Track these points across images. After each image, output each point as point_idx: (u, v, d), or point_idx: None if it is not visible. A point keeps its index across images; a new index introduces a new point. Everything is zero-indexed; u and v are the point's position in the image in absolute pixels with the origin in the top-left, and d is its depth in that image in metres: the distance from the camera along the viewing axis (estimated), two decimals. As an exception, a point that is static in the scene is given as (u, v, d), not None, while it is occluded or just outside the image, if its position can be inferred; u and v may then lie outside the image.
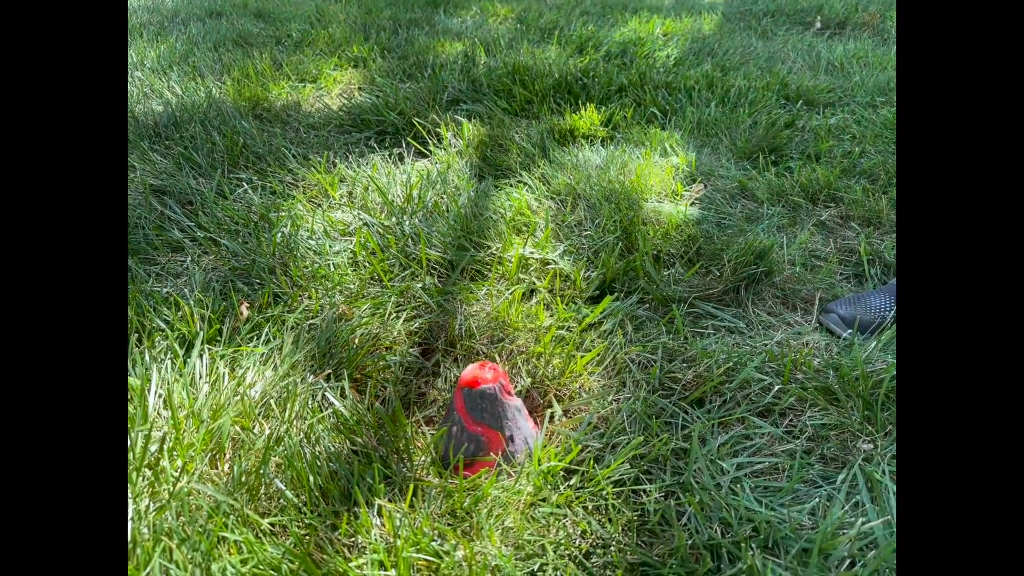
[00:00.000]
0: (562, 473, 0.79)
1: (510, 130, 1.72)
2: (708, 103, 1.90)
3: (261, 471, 0.76)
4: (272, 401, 0.87)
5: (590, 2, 3.33)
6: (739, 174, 1.55)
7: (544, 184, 1.46)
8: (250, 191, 1.43)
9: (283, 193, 1.44)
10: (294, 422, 0.84)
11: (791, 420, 0.90)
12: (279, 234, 1.26)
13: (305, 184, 1.47)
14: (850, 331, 1.05)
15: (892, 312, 1.07)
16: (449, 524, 0.73)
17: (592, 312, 1.04)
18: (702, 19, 3.00)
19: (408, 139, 1.67)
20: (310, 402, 0.88)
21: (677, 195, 1.48)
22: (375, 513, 0.74)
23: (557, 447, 0.83)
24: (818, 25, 2.99)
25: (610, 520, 0.74)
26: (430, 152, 1.65)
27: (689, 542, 0.71)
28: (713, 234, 1.31)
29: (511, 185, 1.49)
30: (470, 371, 0.83)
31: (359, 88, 2.08)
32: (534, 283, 1.14)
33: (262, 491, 0.76)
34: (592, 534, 0.73)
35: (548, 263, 1.20)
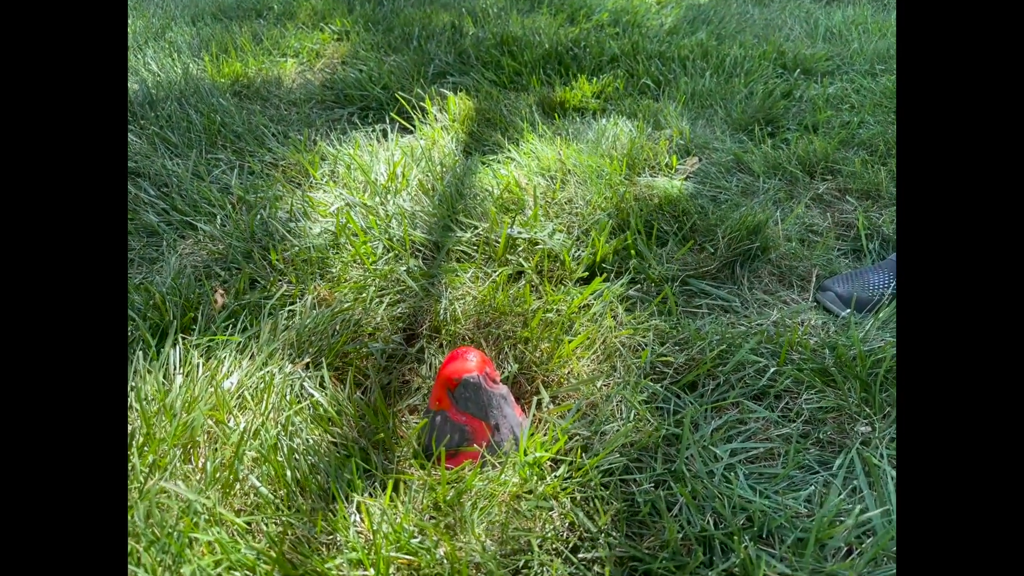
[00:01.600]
0: (549, 463, 0.77)
1: (498, 103, 1.66)
2: (703, 73, 1.84)
3: (235, 466, 0.73)
4: (248, 392, 0.84)
5: (582, -31, 3.22)
6: (735, 146, 1.50)
7: (533, 159, 1.41)
8: (228, 172, 1.38)
9: (262, 173, 1.39)
10: (271, 414, 0.81)
11: (787, 403, 0.87)
12: (257, 217, 1.21)
13: (285, 164, 1.42)
14: (848, 310, 1.02)
15: (891, 289, 1.04)
16: (432, 519, 0.71)
17: (582, 294, 1.00)
18: (697, -15, 2.90)
19: (392, 114, 1.61)
20: (288, 393, 0.85)
21: (671, 168, 1.43)
22: (354, 509, 0.71)
23: (544, 436, 0.80)
24: (817, -10, 2.89)
25: (599, 512, 0.71)
26: (415, 128, 1.60)
27: (680, 534, 0.68)
28: (708, 209, 1.27)
29: (499, 161, 1.44)
30: (454, 359, 0.80)
31: (342, 62, 2.01)
32: (521, 264, 1.10)
33: (236, 487, 0.73)
34: (580, 527, 0.70)
35: (537, 243, 1.16)
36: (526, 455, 0.75)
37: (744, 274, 1.14)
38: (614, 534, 0.69)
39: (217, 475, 0.73)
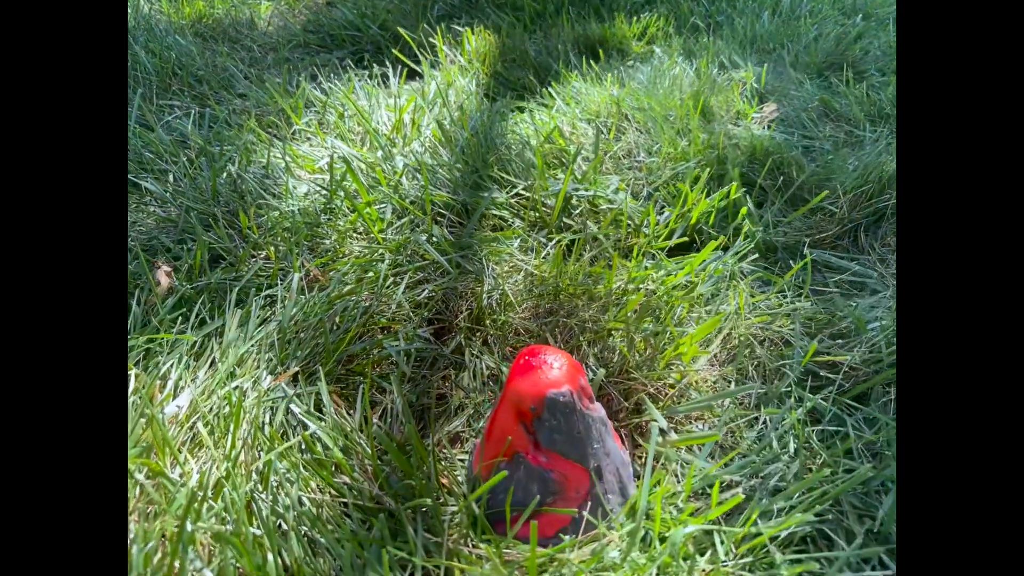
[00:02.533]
0: (693, 531, 0.48)
1: (523, 42, 1.36)
2: (759, 13, 1.55)
3: (179, 553, 0.43)
4: (204, 422, 0.54)
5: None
6: (818, 91, 1.22)
7: (577, 105, 1.11)
8: (184, 120, 1.07)
9: (229, 121, 1.08)
10: (240, 457, 0.51)
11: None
12: (224, 172, 0.90)
13: (259, 111, 1.10)
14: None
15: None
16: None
17: (686, 265, 0.72)
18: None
19: (395, 52, 1.30)
20: (267, 421, 0.55)
21: (744, 117, 1.15)
22: (384, 626, 0.42)
23: (678, 484, 0.52)
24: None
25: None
26: (423, 74, 1.29)
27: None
28: (802, 162, 0.99)
29: (533, 109, 1.14)
30: (527, 365, 0.51)
31: (327, 3, 1.69)
32: (589, 230, 0.81)
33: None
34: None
35: (601, 204, 0.87)
36: (662, 523, 0.47)
37: (870, 241, 0.87)
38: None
39: (148, 569, 0.43)
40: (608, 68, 1.26)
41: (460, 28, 1.38)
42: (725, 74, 1.26)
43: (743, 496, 0.45)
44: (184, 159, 0.94)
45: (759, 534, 0.46)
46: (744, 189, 0.90)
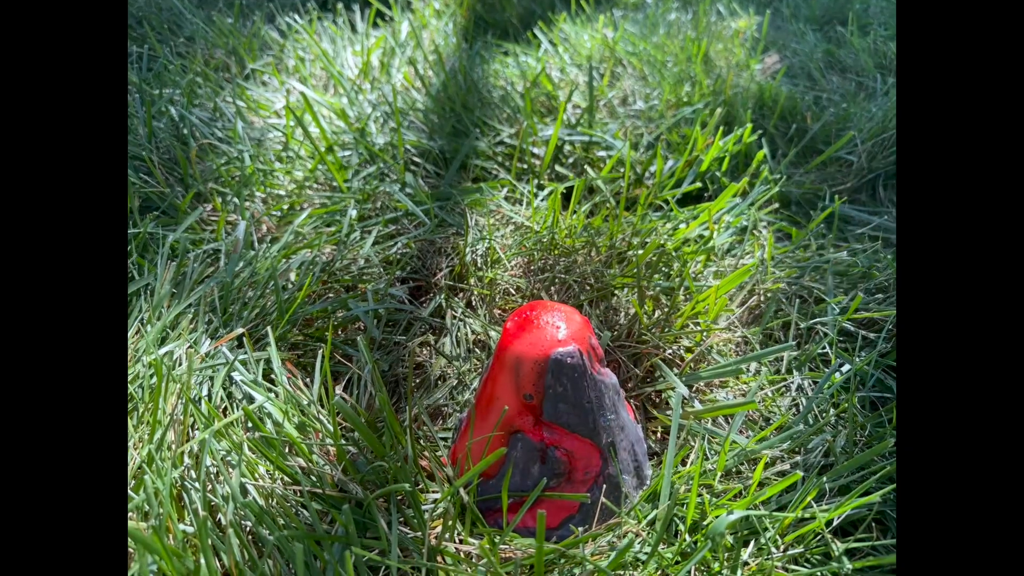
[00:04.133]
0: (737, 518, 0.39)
1: (504, -12, 1.24)
2: (756, -37, 1.46)
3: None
4: (131, 392, 0.43)
5: None
6: (822, 43, 1.14)
7: (566, 48, 1.01)
8: (120, 60, 0.93)
9: (171, 63, 0.95)
10: (170, 436, 0.41)
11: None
12: (164, 117, 0.78)
13: (207, 53, 0.97)
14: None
15: None
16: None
17: (700, 214, 0.63)
18: None
19: (361, -4, 1.17)
20: (207, 393, 0.45)
21: (747, 67, 1.06)
22: (349, 649, 0.33)
23: (710, 461, 0.43)
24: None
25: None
26: (393, 17, 1.17)
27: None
28: (815, 110, 0.91)
29: (516, 54, 1.04)
30: (528, 323, 0.41)
31: (288, -53, 1.54)
32: (589, 177, 0.71)
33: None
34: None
35: (595, 148, 0.77)
36: (689, 509, 0.38)
37: (890, 194, 0.79)
38: None
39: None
40: (599, 11, 1.15)
41: (435, -30, 1.26)
42: (723, 22, 1.16)
43: (800, 475, 0.36)
44: (117, 100, 0.81)
45: (811, 519, 0.37)
46: (759, 133, 0.82)
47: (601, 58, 0.97)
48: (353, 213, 0.65)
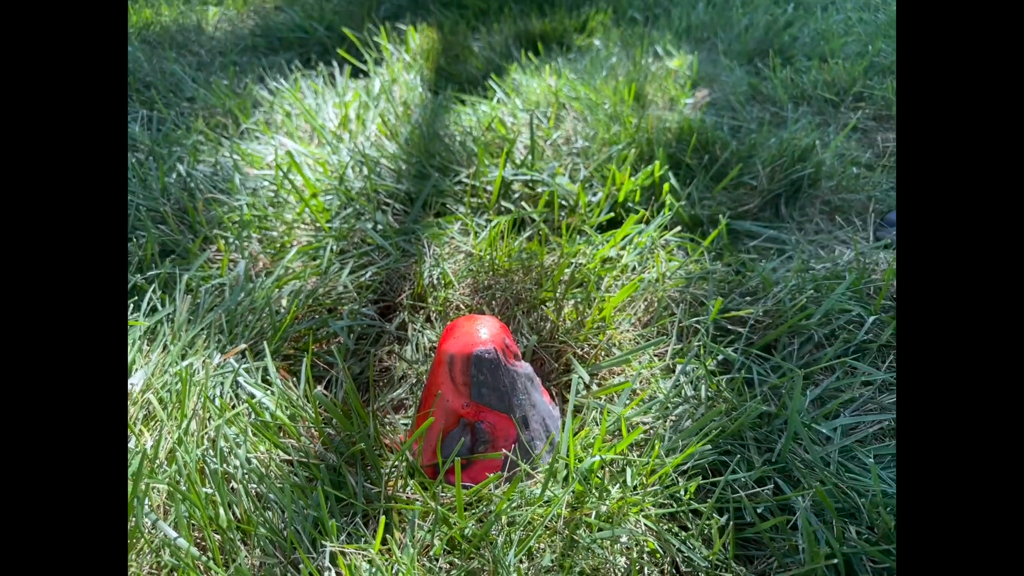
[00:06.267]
0: (606, 469, 0.53)
1: (466, 38, 1.40)
2: (694, 4, 1.63)
3: (134, 508, 0.47)
4: (158, 395, 0.57)
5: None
6: (747, 76, 1.30)
7: (518, 96, 1.16)
8: (131, 123, 1.09)
9: (177, 123, 1.10)
10: (191, 426, 0.55)
11: (893, 361, 0.66)
12: (173, 172, 0.93)
13: (207, 112, 1.13)
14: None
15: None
16: (450, 567, 0.47)
17: (611, 239, 0.77)
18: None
19: (341, 52, 1.33)
20: (219, 393, 0.59)
21: (678, 103, 1.21)
22: (328, 563, 0.46)
23: (595, 429, 0.57)
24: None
25: (697, 535, 0.48)
26: (368, 72, 1.32)
27: (827, 553, 0.46)
28: (726, 140, 1.06)
29: (475, 102, 1.19)
30: (457, 330, 0.56)
31: (275, 7, 1.71)
32: (524, 211, 0.86)
33: (140, 542, 0.47)
34: (673, 558, 0.47)
35: (538, 185, 0.92)
36: (576, 460, 0.52)
37: (791, 211, 0.94)
38: (733, 566, 0.46)
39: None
40: (548, 60, 1.31)
41: (404, 27, 1.42)
42: (660, 63, 1.32)
43: (644, 429, 0.50)
44: (134, 160, 0.96)
45: (664, 465, 0.51)
46: (671, 168, 0.97)
47: (548, 103, 1.13)
48: (334, 247, 0.80)
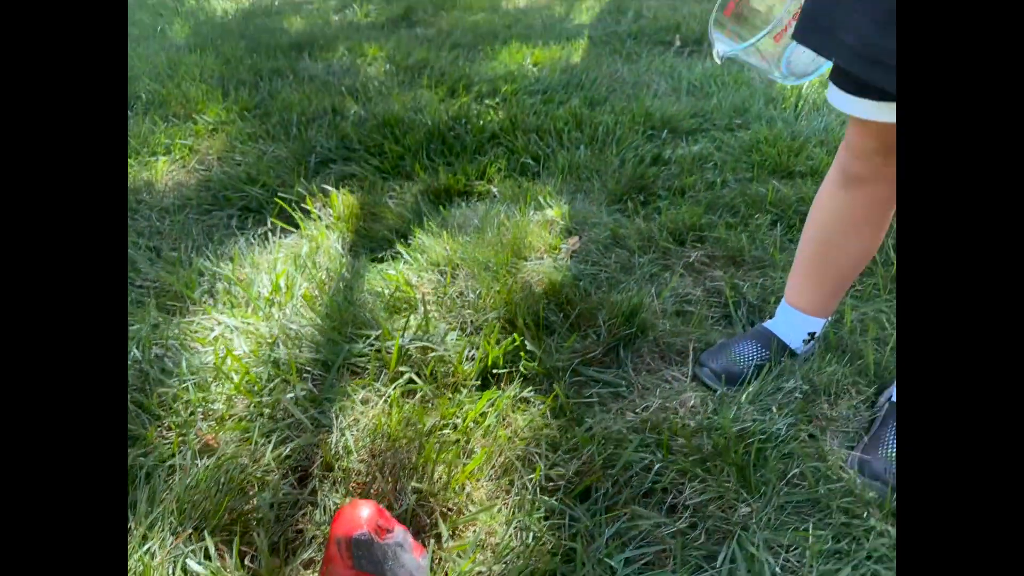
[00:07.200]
0: (450, 610, 0.76)
1: (383, 195, 1.67)
2: (577, 145, 1.94)
3: None
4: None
5: (460, 33, 3.33)
6: (611, 221, 1.59)
7: (422, 255, 1.42)
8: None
9: (135, 301, 1.32)
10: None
11: (674, 497, 0.91)
12: (130, 354, 1.14)
13: (158, 289, 1.35)
14: (722, 386, 1.09)
15: (758, 359, 1.12)
16: None
17: (476, 406, 1.02)
18: (571, 45, 3.07)
19: (272, 218, 1.58)
20: (171, 574, 0.80)
21: (555, 249, 1.49)
22: None
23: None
24: (677, 43, 3.14)
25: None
26: (298, 227, 1.57)
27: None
28: (590, 291, 1.33)
29: (388, 259, 1.44)
30: (342, 516, 0.79)
31: (218, 158, 1.95)
32: (412, 378, 1.10)
33: None
34: None
35: (429, 351, 1.17)
36: (426, 607, 0.75)
37: (628, 356, 1.20)
38: None
39: None
40: (450, 216, 1.58)
41: (330, 188, 1.68)
42: (541, 213, 1.60)
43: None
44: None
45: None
46: (535, 322, 1.23)
47: (445, 263, 1.39)
48: (258, 426, 1.02)
